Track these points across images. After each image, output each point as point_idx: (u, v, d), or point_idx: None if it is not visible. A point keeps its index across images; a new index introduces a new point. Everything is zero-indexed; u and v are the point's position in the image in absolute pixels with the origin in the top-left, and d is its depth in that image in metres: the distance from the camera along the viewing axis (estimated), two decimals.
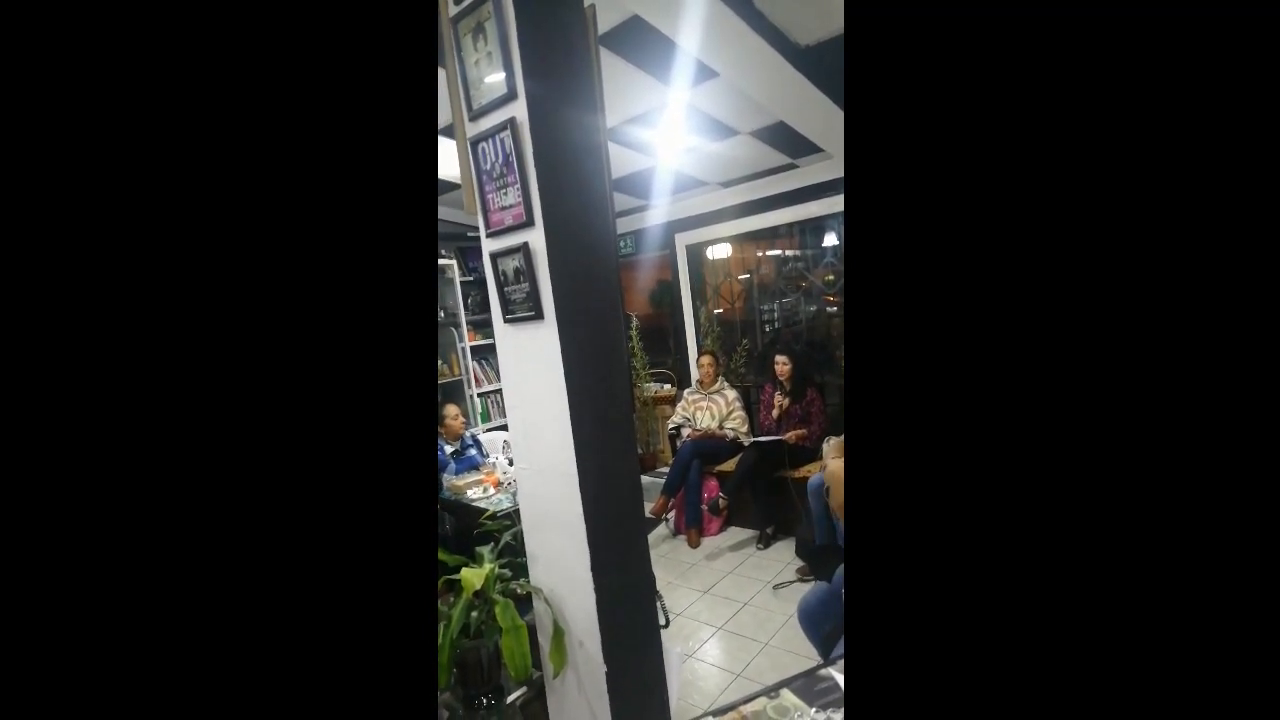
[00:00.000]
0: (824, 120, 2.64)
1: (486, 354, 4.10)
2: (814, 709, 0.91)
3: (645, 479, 3.82)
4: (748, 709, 0.93)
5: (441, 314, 3.91)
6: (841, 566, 1.71)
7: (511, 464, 2.70)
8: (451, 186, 3.36)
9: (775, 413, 3.37)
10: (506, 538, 1.63)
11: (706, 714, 0.93)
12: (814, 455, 3.24)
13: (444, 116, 2.07)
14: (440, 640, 1.32)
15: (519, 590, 1.47)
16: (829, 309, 3.97)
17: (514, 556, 1.59)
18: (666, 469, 3.64)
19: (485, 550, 1.57)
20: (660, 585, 2.55)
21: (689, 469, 3.34)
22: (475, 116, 1.35)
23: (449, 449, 3.01)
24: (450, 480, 2.73)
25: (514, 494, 2.46)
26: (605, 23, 1.93)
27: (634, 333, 4.52)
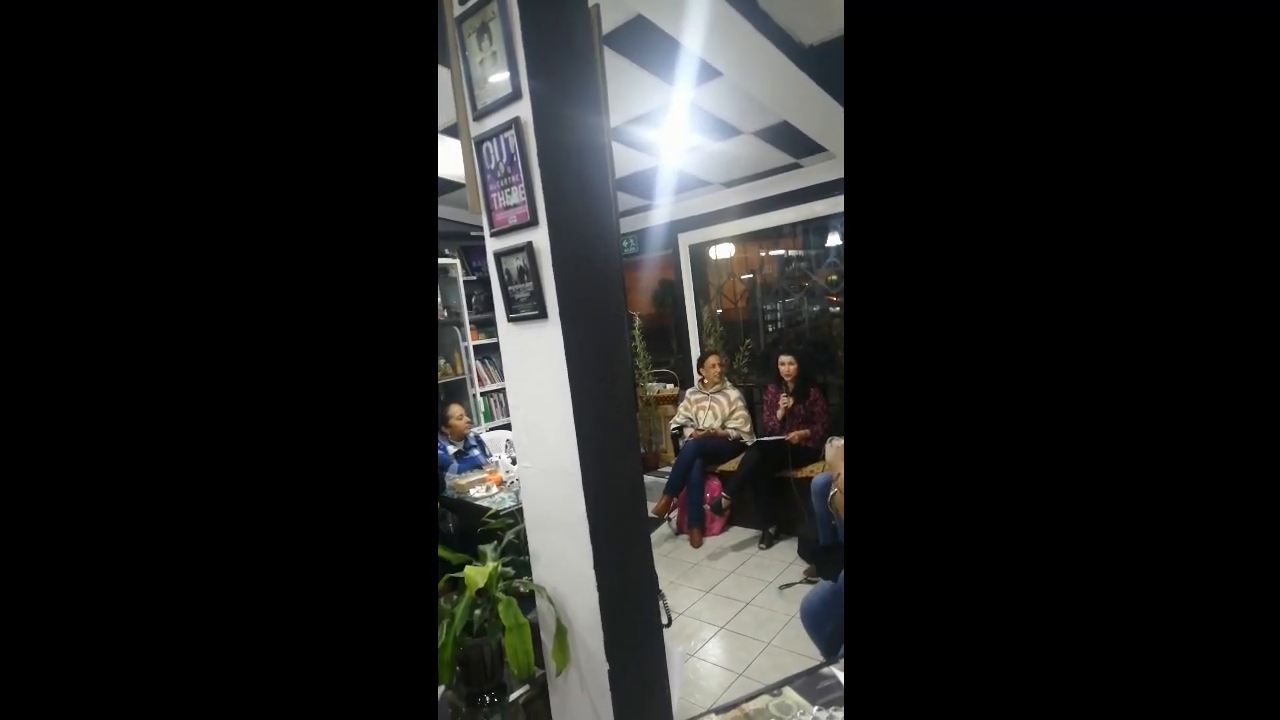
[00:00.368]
0: (827, 120, 2.63)
1: (489, 353, 4.10)
2: (816, 707, 0.92)
3: (648, 478, 3.82)
4: (750, 707, 0.93)
5: (445, 313, 3.92)
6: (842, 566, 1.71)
7: (514, 463, 2.71)
8: (456, 186, 3.36)
9: (779, 413, 3.37)
10: (509, 536, 1.64)
11: (709, 712, 0.94)
12: (816, 455, 3.24)
13: (448, 116, 2.08)
14: (443, 638, 1.33)
15: (522, 588, 1.47)
16: (832, 309, 3.96)
17: (517, 555, 1.59)
18: (669, 468, 3.64)
19: (488, 549, 1.58)
20: (662, 584, 2.55)
21: (691, 469, 3.34)
22: (480, 116, 1.35)
23: (452, 449, 3.02)
24: (453, 479, 2.74)
25: (517, 493, 2.46)
26: (609, 22, 1.93)
27: (637, 332, 4.52)
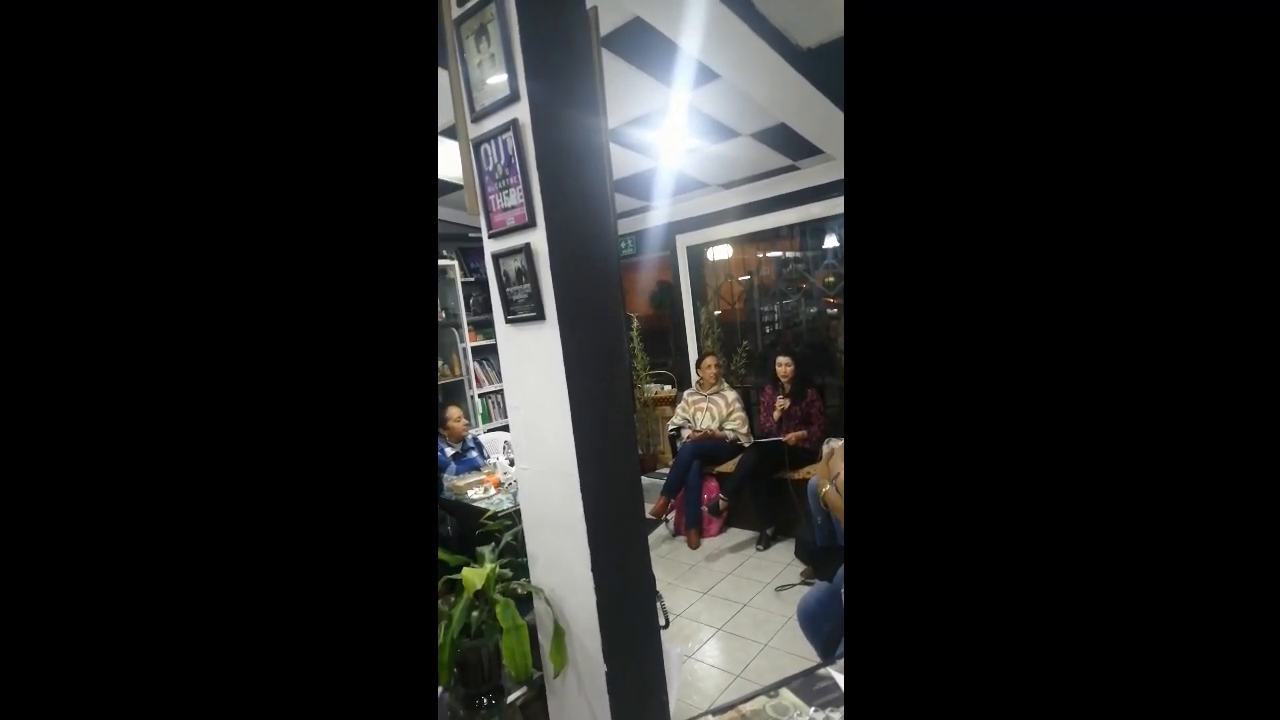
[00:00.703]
0: (825, 122, 2.64)
1: (487, 354, 4.10)
2: (813, 708, 0.92)
3: (645, 480, 3.82)
4: (747, 708, 0.93)
5: (443, 314, 3.91)
6: (841, 568, 1.71)
7: (512, 464, 2.71)
8: (454, 187, 3.36)
9: (776, 414, 3.37)
10: (507, 538, 1.64)
11: (706, 713, 0.94)
12: (814, 457, 3.25)
13: (447, 118, 2.08)
14: (441, 640, 1.33)
15: (519, 590, 1.47)
16: (829, 310, 3.97)
17: (515, 556, 1.59)
18: (667, 470, 3.65)
19: (486, 550, 1.58)
20: (660, 586, 2.55)
21: (689, 470, 3.35)
22: (478, 118, 1.36)
23: (450, 450, 3.01)
24: (451, 481, 2.73)
25: (515, 494, 2.46)
26: (607, 24, 1.93)
27: (635, 334, 4.52)
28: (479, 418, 3.98)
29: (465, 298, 3.99)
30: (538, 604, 1.47)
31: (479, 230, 1.43)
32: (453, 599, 1.41)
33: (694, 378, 3.90)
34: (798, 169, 3.54)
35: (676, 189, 3.86)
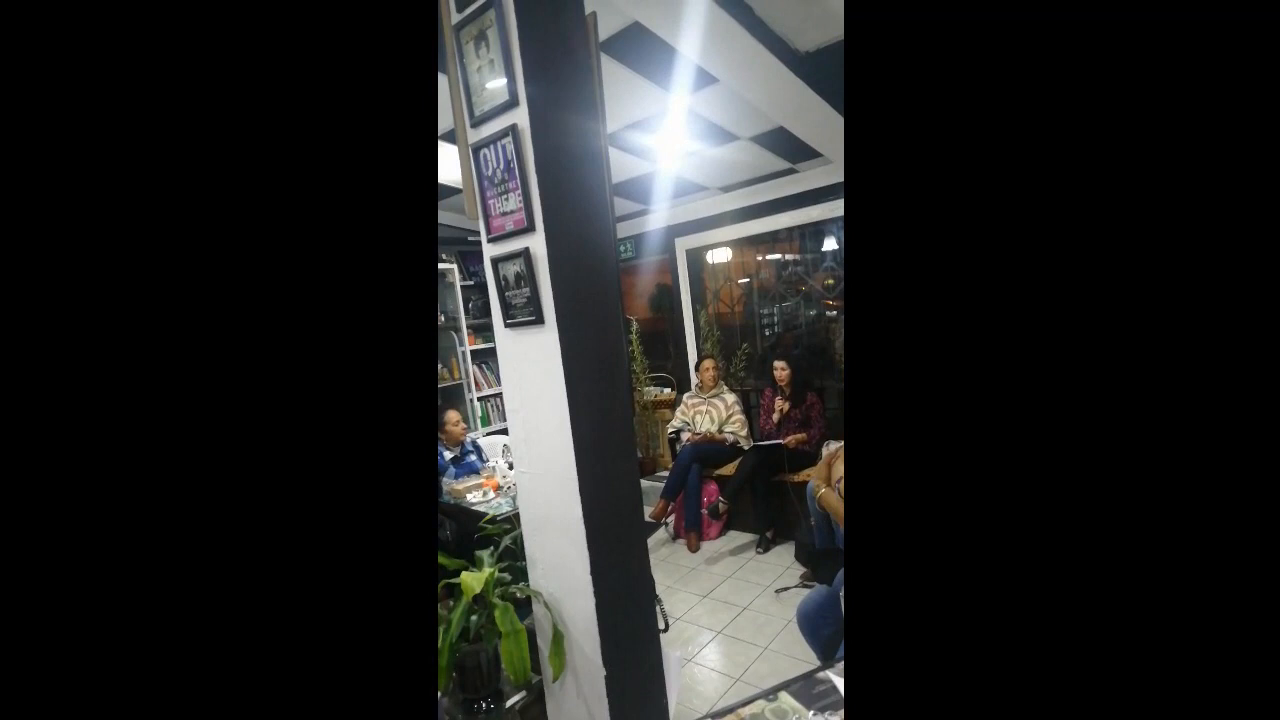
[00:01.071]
0: (823, 126, 2.65)
1: (487, 358, 4.10)
2: (812, 712, 0.92)
3: (645, 483, 3.82)
4: (746, 712, 0.93)
5: (442, 318, 3.91)
6: (841, 571, 1.71)
7: (511, 468, 2.71)
8: (453, 191, 3.37)
9: (775, 416, 3.37)
10: (506, 541, 1.64)
11: (705, 717, 0.94)
12: (813, 459, 3.25)
13: (446, 122, 2.08)
14: (439, 644, 1.33)
15: (518, 594, 1.47)
16: (828, 313, 3.97)
17: (513, 560, 1.59)
18: (666, 473, 3.64)
19: (485, 554, 1.58)
20: (659, 589, 2.55)
21: (688, 473, 3.34)
22: (477, 123, 1.36)
23: (449, 454, 3.01)
24: (450, 484, 2.73)
25: (514, 498, 2.46)
26: (606, 29, 1.94)
27: (634, 337, 4.52)
28: (478, 421, 3.98)
29: (464, 301, 3.99)
30: (536, 608, 1.47)
31: (478, 234, 1.44)
32: (451, 603, 1.41)
33: (693, 381, 3.90)
34: (796, 172, 3.55)
35: (675, 192, 3.87)
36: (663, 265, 4.57)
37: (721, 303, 4.46)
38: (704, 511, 3.36)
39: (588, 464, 1.33)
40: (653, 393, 4.63)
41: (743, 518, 3.39)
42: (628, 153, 3.09)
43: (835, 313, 3.93)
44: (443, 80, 1.46)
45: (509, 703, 1.51)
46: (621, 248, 4.56)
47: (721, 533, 3.44)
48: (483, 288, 3.90)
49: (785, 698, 0.96)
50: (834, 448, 3.00)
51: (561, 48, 1.33)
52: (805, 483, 2.82)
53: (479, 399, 4.03)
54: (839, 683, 0.97)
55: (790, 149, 3.14)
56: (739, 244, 4.23)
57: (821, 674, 1.01)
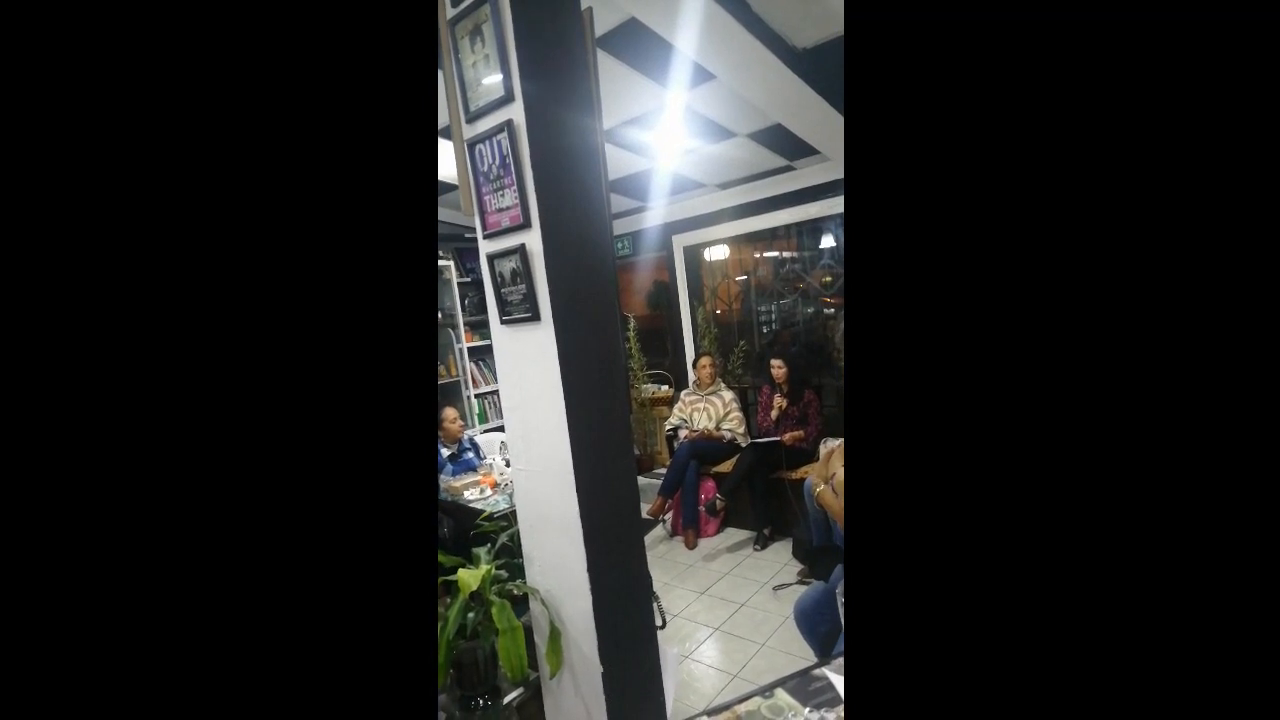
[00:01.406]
0: (821, 123, 2.65)
1: (484, 355, 4.10)
2: (808, 708, 0.92)
3: (642, 480, 3.82)
4: (742, 709, 0.94)
5: (439, 315, 3.91)
6: (837, 567, 1.71)
7: (508, 465, 2.70)
8: (449, 188, 3.36)
9: (773, 414, 3.37)
10: (503, 539, 1.64)
11: (701, 714, 0.94)
12: (811, 457, 3.25)
13: (441, 118, 2.08)
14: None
15: (515, 591, 1.47)
16: (826, 311, 3.98)
17: (511, 557, 1.59)
18: (664, 470, 3.65)
19: (482, 551, 1.58)
20: (657, 586, 2.55)
21: (686, 470, 3.35)
22: (472, 119, 1.35)
23: (446, 451, 3.01)
24: (447, 481, 2.73)
25: (511, 495, 2.46)
26: (602, 25, 1.93)
27: (631, 334, 4.52)
28: (475, 418, 3.98)
29: (461, 298, 3.99)
30: (534, 605, 1.47)
31: (474, 231, 1.43)
32: (448, 600, 1.41)
33: (691, 378, 3.90)
34: (794, 169, 3.54)
35: (673, 189, 3.87)
36: (660, 262, 4.57)
37: (719, 300, 4.46)
38: (701, 508, 3.37)
39: (585, 461, 1.33)
40: (650, 390, 4.63)
41: (740, 515, 3.39)
42: (625, 149, 3.08)
43: (833, 310, 3.93)
44: (437, 76, 1.45)
45: (506, 699, 1.51)
46: (619, 245, 4.55)
47: (719, 530, 3.45)
48: (479, 285, 3.88)
49: (782, 694, 0.96)
50: (832, 445, 3.00)
51: (557, 43, 1.32)
52: (803, 480, 2.83)
53: (476, 396, 4.02)
54: (835, 679, 0.97)
55: (788, 146, 3.13)
56: (736, 241, 4.22)
57: (818, 671, 1.01)
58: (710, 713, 0.93)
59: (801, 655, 1.93)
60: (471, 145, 1.35)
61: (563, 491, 1.35)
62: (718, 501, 3.28)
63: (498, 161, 1.30)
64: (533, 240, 1.29)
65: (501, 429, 3.71)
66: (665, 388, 4.64)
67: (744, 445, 3.44)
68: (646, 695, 1.51)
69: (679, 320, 4.47)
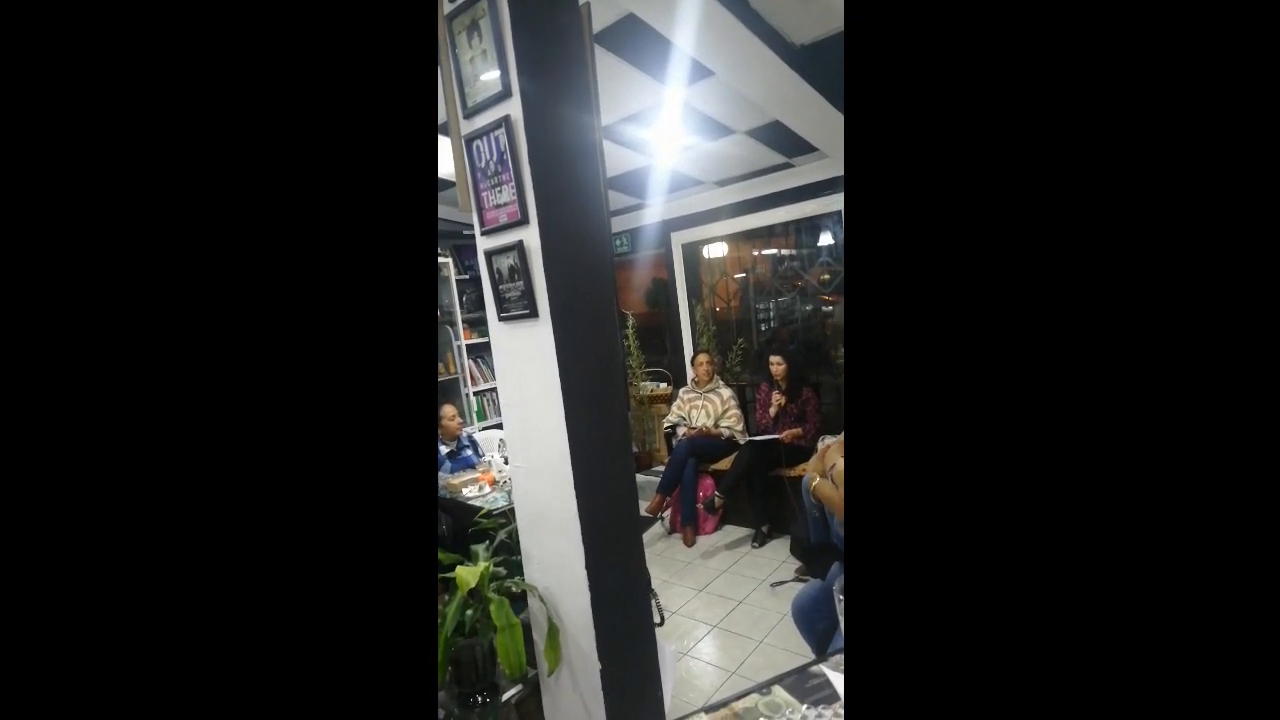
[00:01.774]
0: (819, 120, 2.64)
1: (482, 352, 4.09)
2: (805, 705, 0.92)
3: (641, 477, 3.83)
4: (740, 705, 0.94)
5: (437, 312, 3.90)
6: (835, 565, 1.71)
7: (507, 462, 2.70)
8: (446, 184, 3.35)
9: (771, 411, 3.37)
10: (501, 536, 1.63)
11: (698, 711, 0.94)
12: (809, 454, 3.25)
13: (439, 114, 2.06)
14: None
15: (514, 588, 1.47)
16: (824, 308, 3.98)
17: (509, 555, 1.59)
18: (662, 467, 3.65)
19: (480, 548, 1.58)
20: (655, 583, 2.55)
21: (684, 467, 3.35)
22: (470, 114, 1.35)
23: (445, 449, 3.01)
24: (446, 479, 2.73)
25: (509, 492, 2.46)
26: (600, 21, 1.93)
27: (630, 331, 4.52)
28: (474, 416, 3.98)
29: (459, 295, 3.98)
30: (532, 602, 1.47)
31: (472, 228, 1.43)
32: (447, 597, 1.41)
33: (689, 375, 3.90)
34: (792, 166, 3.54)
35: (671, 186, 3.86)
36: (658, 260, 4.57)
37: (717, 297, 4.46)
38: (700, 506, 3.37)
39: (583, 459, 1.33)
40: (648, 387, 4.63)
41: (738, 512, 3.40)
42: (623, 146, 3.08)
43: (831, 308, 3.93)
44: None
45: (504, 697, 1.51)
46: (617, 242, 4.55)
47: (717, 527, 3.45)
48: (477, 282, 3.87)
49: (779, 691, 0.96)
50: (829, 442, 3.00)
51: (555, 39, 1.32)
52: (801, 477, 2.83)
53: (475, 393, 4.02)
54: (833, 676, 0.98)
55: (786, 143, 3.13)
56: (735, 238, 4.22)
57: (816, 668, 1.01)
58: (708, 709, 0.93)
59: (799, 652, 1.93)
60: (469, 141, 1.35)
61: (561, 489, 1.35)
62: (716, 499, 3.29)
63: (495, 157, 1.30)
64: (531, 237, 1.29)
65: (500, 426, 3.71)
66: (663, 385, 4.64)
67: (742, 443, 3.44)
68: (644, 692, 1.51)
69: (677, 318, 4.47)
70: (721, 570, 2.95)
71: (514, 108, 1.25)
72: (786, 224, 3.90)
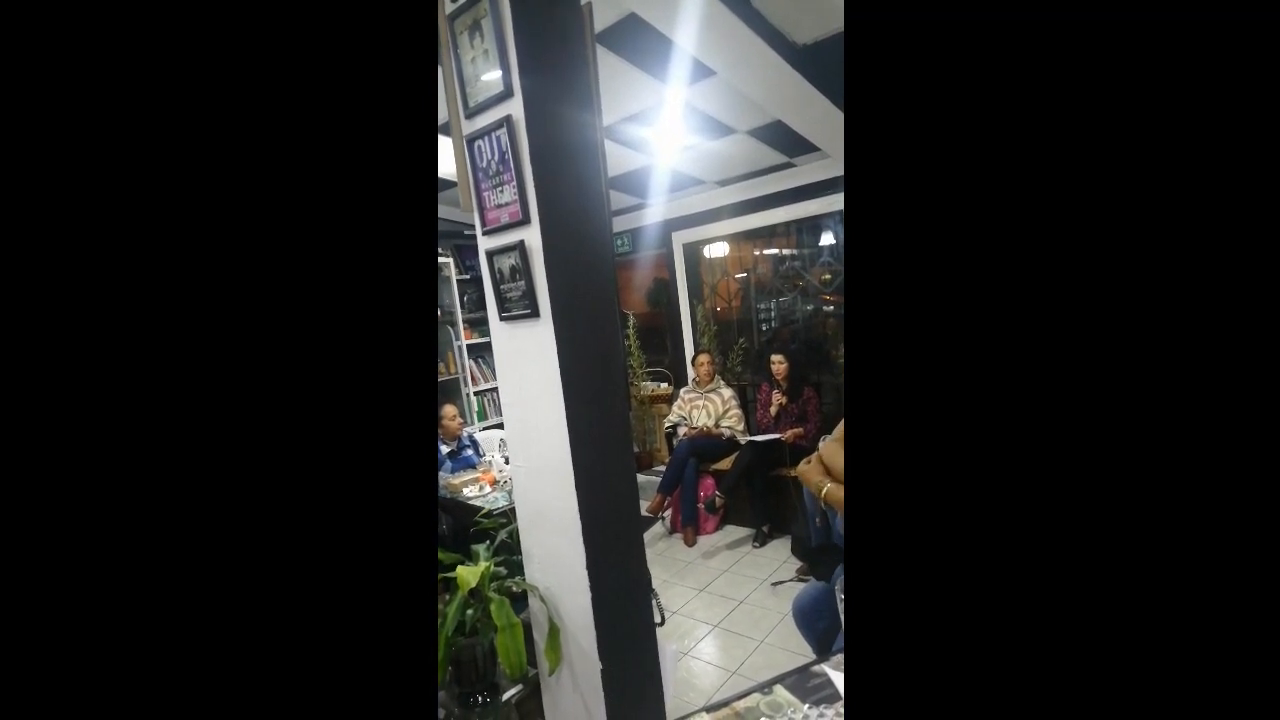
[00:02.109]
0: (821, 119, 2.64)
1: (483, 352, 4.09)
2: (807, 705, 0.92)
3: (641, 477, 3.83)
4: (741, 705, 0.94)
5: (438, 312, 3.90)
6: (837, 566, 1.71)
7: (508, 462, 2.70)
8: (448, 184, 3.35)
9: (772, 410, 3.37)
10: (502, 535, 1.64)
11: (699, 710, 0.94)
12: (810, 454, 3.25)
13: (440, 114, 2.07)
14: None
15: (514, 588, 1.47)
16: (825, 308, 3.97)
17: (509, 554, 1.59)
18: (663, 467, 3.65)
19: (481, 548, 1.58)
20: (656, 583, 2.56)
21: (685, 467, 3.35)
22: (471, 114, 1.35)
23: (445, 449, 3.01)
24: (447, 479, 2.73)
25: (510, 492, 2.46)
26: (602, 20, 1.93)
27: (631, 331, 4.52)
28: (474, 415, 3.98)
29: (460, 295, 3.98)
30: (533, 602, 1.47)
31: (473, 227, 1.43)
32: (447, 597, 1.41)
33: (690, 375, 3.90)
34: (794, 166, 3.54)
35: (672, 186, 3.86)
36: (659, 259, 4.57)
37: (718, 297, 4.46)
38: (700, 506, 3.37)
39: (584, 458, 1.33)
40: (649, 387, 4.63)
41: (739, 512, 3.39)
42: (624, 145, 3.08)
43: (832, 308, 3.93)
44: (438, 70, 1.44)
45: (505, 696, 1.51)
46: (618, 241, 4.55)
47: (718, 527, 3.45)
48: (478, 282, 3.88)
49: (780, 691, 0.96)
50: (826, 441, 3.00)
51: (557, 39, 1.32)
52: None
53: (475, 393, 4.02)
54: (834, 676, 0.97)
55: (787, 143, 3.13)
56: (736, 238, 4.22)
57: (817, 668, 1.01)
58: (709, 709, 0.93)
59: (800, 652, 1.93)
60: (470, 141, 1.35)
61: (562, 488, 1.35)
62: (717, 499, 3.29)
63: (497, 157, 1.30)
64: (532, 237, 1.29)
65: (501, 426, 3.71)
66: (664, 385, 4.64)
67: (743, 443, 3.44)
68: (645, 692, 1.51)
69: (678, 317, 4.47)
70: (722, 570, 2.95)
71: (515, 107, 1.25)
72: (788, 224, 3.90)
